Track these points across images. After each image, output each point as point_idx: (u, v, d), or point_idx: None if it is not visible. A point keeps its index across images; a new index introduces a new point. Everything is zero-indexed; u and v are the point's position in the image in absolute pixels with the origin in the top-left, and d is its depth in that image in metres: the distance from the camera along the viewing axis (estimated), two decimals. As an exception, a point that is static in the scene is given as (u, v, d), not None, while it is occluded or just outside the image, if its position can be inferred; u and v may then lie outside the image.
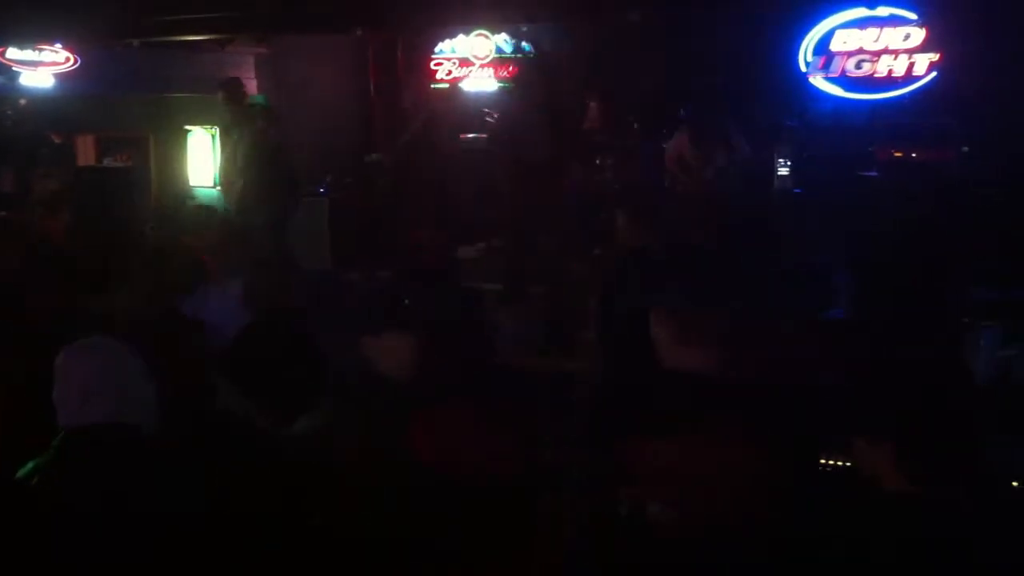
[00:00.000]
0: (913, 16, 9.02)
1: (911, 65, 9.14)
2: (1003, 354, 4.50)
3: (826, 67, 9.43)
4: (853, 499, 2.18)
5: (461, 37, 11.61)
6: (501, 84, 11.52)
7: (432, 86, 11.61)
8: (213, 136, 10.41)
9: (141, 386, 2.71)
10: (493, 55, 11.62)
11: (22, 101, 10.58)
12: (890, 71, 9.24)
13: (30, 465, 2.58)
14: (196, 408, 3.02)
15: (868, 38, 9.29)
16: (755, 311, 2.44)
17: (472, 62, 11.67)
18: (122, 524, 2.44)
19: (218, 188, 9.95)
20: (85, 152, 11.32)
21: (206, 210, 6.38)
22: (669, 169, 8.82)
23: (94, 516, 2.44)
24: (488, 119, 10.14)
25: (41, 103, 10.68)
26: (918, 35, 9.08)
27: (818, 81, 9.48)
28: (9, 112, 10.44)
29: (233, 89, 8.56)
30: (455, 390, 2.84)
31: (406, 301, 3.17)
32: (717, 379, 2.34)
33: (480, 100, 11.32)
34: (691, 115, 8.62)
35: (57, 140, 10.39)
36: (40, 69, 11.00)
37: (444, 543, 2.52)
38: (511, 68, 11.58)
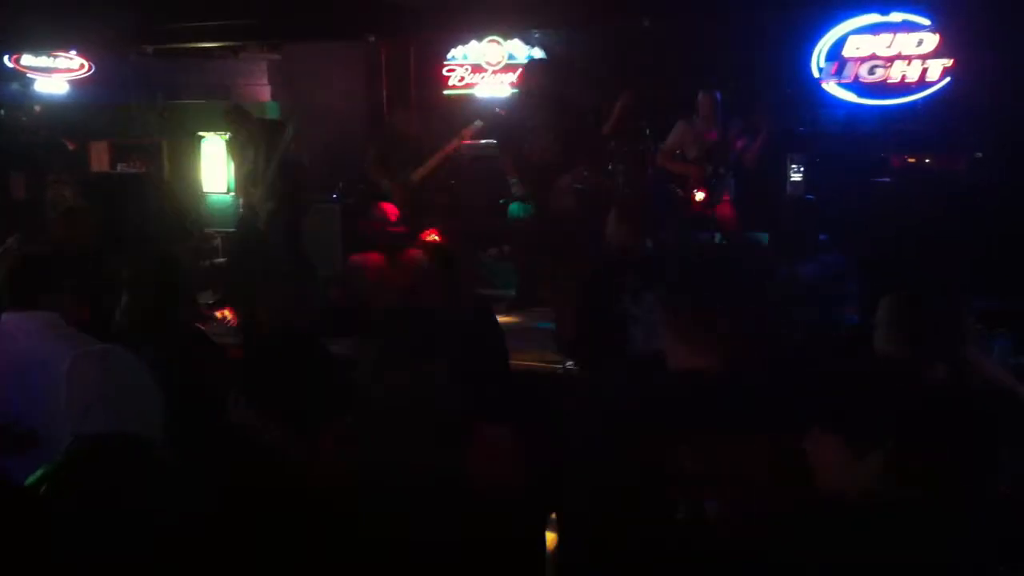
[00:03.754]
0: (927, 22, 8.95)
1: (924, 71, 9.08)
2: (1015, 362, 4.49)
3: (839, 73, 9.38)
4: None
5: (473, 43, 11.61)
6: (514, 90, 11.53)
7: (444, 92, 11.63)
8: (226, 142, 10.43)
9: (147, 396, 2.71)
10: (505, 61, 11.62)
11: (36, 108, 10.66)
12: (903, 77, 9.18)
13: (39, 472, 2.59)
14: (205, 420, 3.02)
15: (881, 44, 9.23)
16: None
17: (484, 68, 11.67)
18: (124, 533, 2.44)
19: (231, 195, 9.96)
20: (99, 158, 11.38)
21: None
22: (663, 166, 8.85)
23: (96, 525, 2.45)
24: (497, 110, 10.11)
25: (55, 110, 10.76)
26: (931, 41, 9.02)
27: (831, 87, 9.43)
28: (23, 119, 10.51)
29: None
30: (469, 400, 2.81)
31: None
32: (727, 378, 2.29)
33: (492, 106, 11.33)
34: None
35: (71, 147, 10.45)
36: (54, 76, 11.08)
37: (451, 555, 2.51)
38: (523, 74, 11.59)
